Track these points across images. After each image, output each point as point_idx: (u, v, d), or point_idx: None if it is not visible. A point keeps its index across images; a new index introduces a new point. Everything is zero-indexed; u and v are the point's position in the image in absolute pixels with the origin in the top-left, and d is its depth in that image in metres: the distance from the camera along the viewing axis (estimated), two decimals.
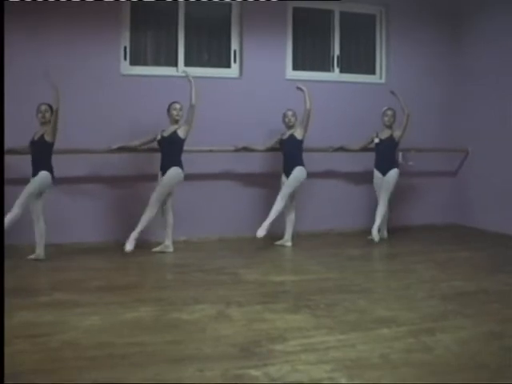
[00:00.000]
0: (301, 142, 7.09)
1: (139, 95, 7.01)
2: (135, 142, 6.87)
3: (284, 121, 7.19)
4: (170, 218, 6.68)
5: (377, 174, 7.52)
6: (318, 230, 7.84)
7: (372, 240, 7.25)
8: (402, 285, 5.38)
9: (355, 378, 3.27)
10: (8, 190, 6.17)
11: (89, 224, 7.11)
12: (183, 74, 6.77)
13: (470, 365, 3.47)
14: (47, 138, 6.10)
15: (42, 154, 6.13)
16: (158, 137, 6.65)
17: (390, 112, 7.49)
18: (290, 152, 7.11)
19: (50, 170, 6.15)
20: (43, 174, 6.08)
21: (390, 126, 7.49)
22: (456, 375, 3.32)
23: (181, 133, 6.57)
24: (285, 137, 7.16)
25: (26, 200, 6.01)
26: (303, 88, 7.05)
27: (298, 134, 7.07)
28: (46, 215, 6.17)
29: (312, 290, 5.13)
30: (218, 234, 7.52)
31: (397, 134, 7.44)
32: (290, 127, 7.16)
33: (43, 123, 6.15)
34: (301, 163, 7.06)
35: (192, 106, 6.52)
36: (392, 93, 7.48)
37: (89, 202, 7.13)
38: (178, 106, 6.62)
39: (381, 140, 7.50)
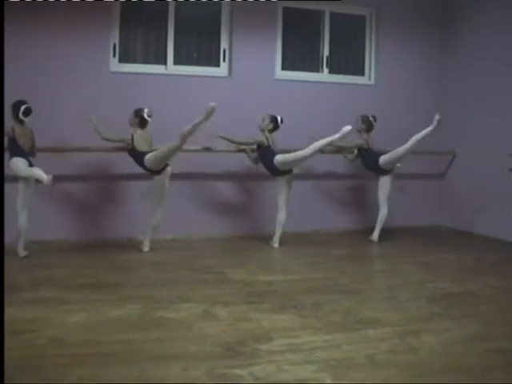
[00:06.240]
0: None
1: (128, 92, 6.97)
2: (107, 135, 6.50)
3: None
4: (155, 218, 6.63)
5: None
6: (305, 231, 7.84)
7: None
8: (389, 286, 5.40)
9: (340, 378, 3.28)
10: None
11: (74, 221, 7.07)
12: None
13: (454, 367, 3.49)
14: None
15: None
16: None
17: (358, 118, 7.49)
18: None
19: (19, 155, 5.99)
20: (13, 161, 5.94)
21: (360, 132, 7.49)
22: (441, 377, 3.34)
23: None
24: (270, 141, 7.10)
25: (25, 199, 6.06)
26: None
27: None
28: (30, 212, 6.11)
29: (298, 290, 5.14)
30: (205, 233, 7.50)
31: (364, 139, 7.45)
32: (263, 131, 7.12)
33: None
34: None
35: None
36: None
37: (74, 199, 7.09)
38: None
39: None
